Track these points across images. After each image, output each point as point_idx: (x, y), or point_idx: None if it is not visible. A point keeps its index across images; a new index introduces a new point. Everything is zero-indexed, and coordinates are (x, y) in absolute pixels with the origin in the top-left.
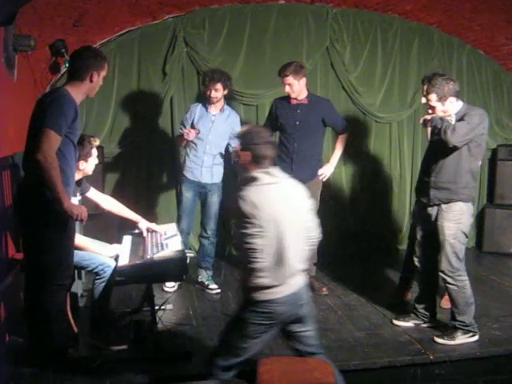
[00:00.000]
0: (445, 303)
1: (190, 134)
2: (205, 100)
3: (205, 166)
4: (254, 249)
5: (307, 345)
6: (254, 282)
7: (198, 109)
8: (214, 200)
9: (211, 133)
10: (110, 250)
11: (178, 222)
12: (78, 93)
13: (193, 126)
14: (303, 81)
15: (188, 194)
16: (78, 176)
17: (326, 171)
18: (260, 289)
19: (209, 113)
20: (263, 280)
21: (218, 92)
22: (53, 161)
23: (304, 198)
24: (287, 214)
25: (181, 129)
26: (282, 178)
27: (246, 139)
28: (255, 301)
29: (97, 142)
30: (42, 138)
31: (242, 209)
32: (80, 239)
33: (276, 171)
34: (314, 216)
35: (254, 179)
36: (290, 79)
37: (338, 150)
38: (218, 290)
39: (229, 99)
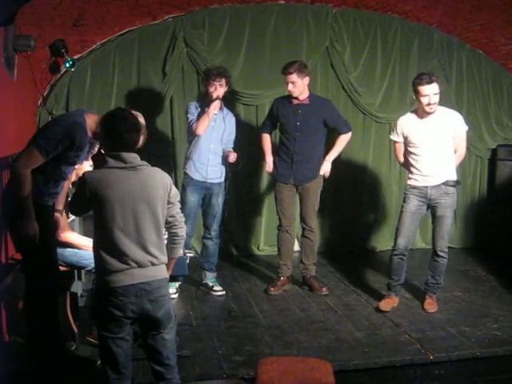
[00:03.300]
0: (429, 307)
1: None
2: (204, 101)
3: (210, 164)
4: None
5: (161, 351)
6: (95, 266)
7: (198, 105)
8: (219, 201)
9: (214, 131)
10: None
11: None
12: (90, 125)
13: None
14: (306, 80)
15: (193, 198)
16: (72, 178)
17: (326, 170)
18: (100, 274)
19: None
20: (101, 265)
21: (222, 88)
22: (23, 176)
23: (164, 191)
24: (127, 201)
25: (192, 119)
26: (139, 165)
27: (107, 123)
28: (99, 289)
29: (101, 150)
30: (24, 152)
31: (80, 184)
32: (80, 239)
33: (132, 157)
34: (178, 212)
35: (105, 162)
36: (293, 77)
37: (336, 148)
38: (223, 292)
39: (229, 99)
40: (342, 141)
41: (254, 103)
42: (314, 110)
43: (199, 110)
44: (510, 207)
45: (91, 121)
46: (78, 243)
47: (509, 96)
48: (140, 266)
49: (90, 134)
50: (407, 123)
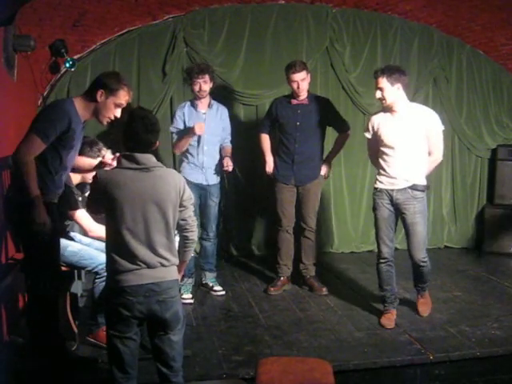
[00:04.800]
0: (422, 309)
1: (202, 128)
2: (191, 99)
3: (205, 167)
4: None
5: (167, 352)
6: (106, 265)
7: (186, 109)
8: (214, 201)
9: (206, 131)
10: None
11: None
12: (83, 108)
13: (185, 127)
14: (309, 77)
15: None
16: (76, 178)
17: (326, 170)
18: (110, 273)
19: (198, 111)
20: (111, 264)
21: (206, 84)
22: (26, 165)
23: (176, 193)
24: (136, 203)
25: (174, 134)
26: (152, 166)
27: (125, 122)
28: (109, 288)
29: (108, 154)
30: (24, 140)
31: (93, 182)
32: (89, 222)
33: (145, 158)
34: (191, 216)
35: (119, 162)
36: (304, 73)
37: (336, 148)
38: (223, 292)
39: (229, 99)
40: (342, 140)
41: (254, 103)
42: (313, 110)
43: (185, 117)
44: (509, 207)
45: (79, 100)
46: (85, 225)
47: (509, 96)
48: (149, 266)
49: (80, 112)
50: (378, 119)
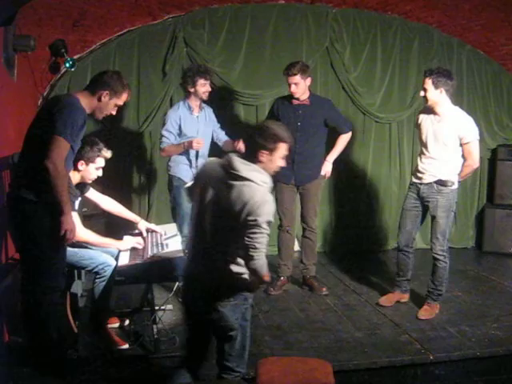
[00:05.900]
0: (421, 313)
1: (201, 144)
2: (184, 101)
3: None
4: None
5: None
6: None
7: (180, 111)
8: None
9: (200, 134)
10: (127, 243)
11: (181, 230)
12: (86, 104)
13: (180, 130)
14: (308, 81)
15: (188, 203)
16: (76, 178)
17: (327, 170)
18: None
19: (192, 114)
20: None
21: (209, 86)
22: (61, 169)
23: (240, 208)
24: (207, 198)
25: (167, 138)
26: (239, 176)
27: None
28: None
29: (108, 154)
30: (53, 145)
31: None
32: (95, 238)
33: (240, 165)
34: (252, 238)
35: None
36: (297, 78)
37: (337, 148)
38: None
39: (229, 99)
40: (343, 140)
41: (254, 103)
42: (314, 111)
43: (181, 121)
44: (509, 207)
45: (82, 97)
46: (96, 242)
47: (509, 96)
48: (202, 262)
49: (85, 107)
50: (422, 116)
